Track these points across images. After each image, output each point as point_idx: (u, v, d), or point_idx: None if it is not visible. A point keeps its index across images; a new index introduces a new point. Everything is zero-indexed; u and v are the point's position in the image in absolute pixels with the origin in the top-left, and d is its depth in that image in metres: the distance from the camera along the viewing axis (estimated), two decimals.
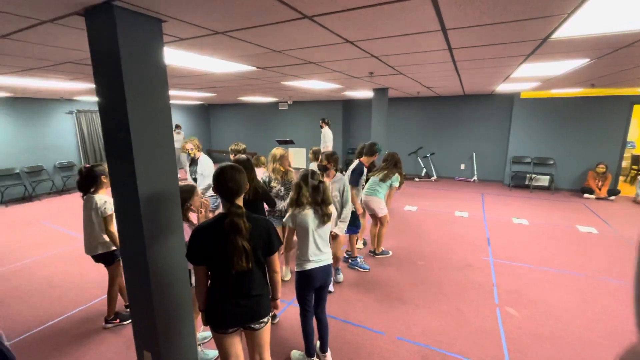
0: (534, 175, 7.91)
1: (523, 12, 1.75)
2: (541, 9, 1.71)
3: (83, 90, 5.78)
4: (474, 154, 8.85)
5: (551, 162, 7.81)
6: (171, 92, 6.72)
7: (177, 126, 10.03)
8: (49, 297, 3.38)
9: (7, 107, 7.02)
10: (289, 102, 8.84)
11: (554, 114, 7.66)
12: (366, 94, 7.38)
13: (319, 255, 2.24)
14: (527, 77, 4.71)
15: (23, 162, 7.31)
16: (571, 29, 2.05)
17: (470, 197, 7.25)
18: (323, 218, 2.21)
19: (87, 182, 2.60)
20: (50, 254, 4.41)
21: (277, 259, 1.76)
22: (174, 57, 2.80)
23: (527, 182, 8.02)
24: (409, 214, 6.10)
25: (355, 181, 3.76)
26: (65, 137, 8.10)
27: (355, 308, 3.11)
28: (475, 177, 8.83)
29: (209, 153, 9.26)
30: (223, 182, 1.59)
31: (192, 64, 3.18)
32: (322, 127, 8.31)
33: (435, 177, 9.19)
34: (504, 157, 8.54)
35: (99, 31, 1.64)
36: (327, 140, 8.17)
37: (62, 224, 5.64)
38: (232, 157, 3.93)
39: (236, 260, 1.54)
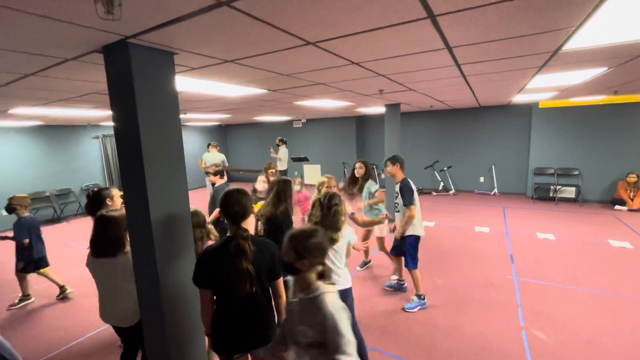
0: (558, 187, 7.57)
1: (528, 28, 1.73)
2: (546, 24, 1.68)
3: (107, 117, 6.12)
4: (493, 166, 8.60)
5: (576, 172, 7.47)
6: (189, 115, 6.99)
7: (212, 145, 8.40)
8: (70, 318, 3.48)
9: (39, 134, 7.51)
10: (302, 121, 8.99)
11: (576, 122, 7.38)
12: (379, 109, 7.40)
13: (336, 279, 2.13)
14: (543, 88, 4.59)
15: (52, 185, 7.74)
16: (581, 40, 2.00)
17: (491, 211, 7.00)
18: (330, 241, 2.13)
19: (94, 205, 2.71)
20: (75, 274, 4.56)
21: (282, 284, 1.73)
22: (188, 84, 2.93)
23: (551, 194, 7.67)
24: (426, 230, 5.89)
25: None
26: (91, 160, 8.54)
27: (370, 330, 3.01)
28: (495, 190, 8.55)
29: (227, 172, 9.48)
30: (229, 206, 1.63)
31: (205, 89, 3.31)
32: (279, 145, 8.46)
33: (453, 190, 8.97)
34: (525, 169, 8.25)
35: (115, 66, 1.76)
36: (283, 159, 8.33)
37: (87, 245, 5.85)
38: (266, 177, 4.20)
39: (240, 284, 1.54)
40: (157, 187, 1.80)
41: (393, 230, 3.52)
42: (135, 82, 1.68)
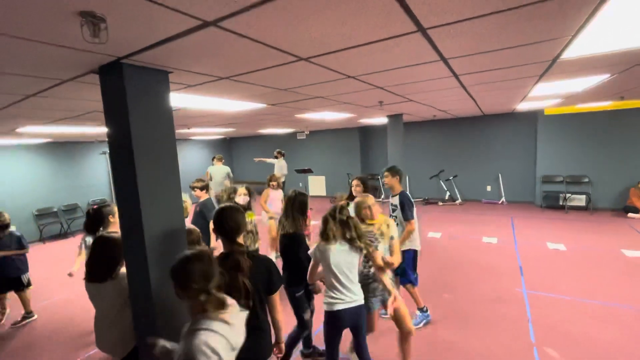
0: (568, 195, 7.39)
1: (521, 39, 1.71)
2: (539, 35, 1.65)
3: None
4: (499, 175, 8.47)
5: (586, 180, 7.29)
6: (193, 130, 7.07)
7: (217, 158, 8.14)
8: (71, 335, 3.46)
9: (47, 151, 7.67)
10: (305, 132, 9.05)
11: (583, 129, 7.25)
12: (382, 120, 7.40)
13: (345, 295, 2.08)
14: (546, 95, 4.53)
15: (60, 201, 7.85)
16: (580, 48, 1.96)
17: (498, 221, 6.85)
18: (358, 251, 2.11)
19: (94, 223, 2.69)
20: (80, 290, 4.56)
21: (278, 299, 1.73)
22: (187, 100, 2.96)
23: (561, 203, 7.49)
24: (432, 241, 5.83)
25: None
26: (98, 176, 8.67)
27: (376, 346, 2.91)
28: (503, 199, 8.39)
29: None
30: (224, 222, 1.64)
31: (205, 105, 3.34)
32: (276, 157, 8.46)
33: (460, 200, 8.83)
34: (532, 177, 8.10)
35: (110, 85, 1.78)
36: (284, 170, 8.32)
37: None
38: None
39: (236, 298, 1.52)
40: (151, 203, 1.80)
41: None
42: (128, 100, 1.70)
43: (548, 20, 1.43)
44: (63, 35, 1.25)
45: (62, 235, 7.73)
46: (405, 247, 3.12)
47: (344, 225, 2.09)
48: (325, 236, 2.10)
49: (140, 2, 1.04)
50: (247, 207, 3.31)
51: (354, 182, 3.42)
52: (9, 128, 4.12)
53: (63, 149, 7.94)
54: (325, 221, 2.12)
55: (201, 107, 3.54)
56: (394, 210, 3.22)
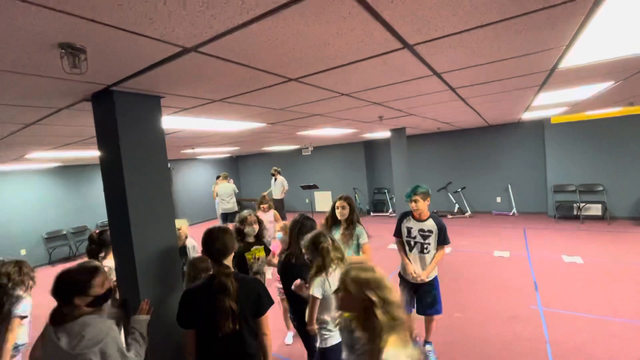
0: (582, 204, 7.13)
1: (512, 51, 1.66)
2: (530, 46, 1.61)
3: None
4: (509, 186, 8.26)
5: (600, 188, 7.04)
6: (199, 149, 7.16)
7: (222, 176, 8.48)
8: None
9: (57, 175, 7.85)
10: (310, 148, 9.10)
11: (593, 136, 7.06)
12: (386, 133, 7.37)
13: None
14: (550, 104, 4.44)
15: (69, 224, 7.95)
16: (577, 58, 1.90)
17: (510, 234, 6.63)
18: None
19: (98, 248, 2.67)
20: None
21: (267, 321, 1.66)
22: (185, 123, 2.99)
23: (575, 212, 7.22)
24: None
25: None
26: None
27: None
28: (514, 210, 8.15)
29: (239, 202, 9.47)
30: (210, 244, 1.63)
31: (204, 126, 3.37)
32: (274, 176, 8.53)
33: (469, 212, 8.61)
34: (543, 187, 7.87)
35: (101, 112, 1.81)
36: (285, 185, 8.47)
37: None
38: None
39: (222, 321, 1.52)
40: (141, 226, 1.79)
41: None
42: (119, 126, 1.71)
43: (538, 31, 1.39)
44: (47, 66, 1.26)
45: (70, 258, 7.79)
46: (435, 273, 2.83)
47: (336, 250, 2.04)
48: (325, 267, 1.96)
49: (116, 31, 1.04)
50: (257, 239, 2.85)
51: (338, 203, 2.85)
52: (18, 154, 4.23)
53: (71, 173, 8.11)
54: (326, 252, 1.97)
55: (201, 128, 3.57)
56: (424, 237, 2.73)
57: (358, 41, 1.33)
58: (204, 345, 1.59)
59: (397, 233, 2.90)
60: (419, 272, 2.75)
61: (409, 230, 2.80)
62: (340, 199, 2.89)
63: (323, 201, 10.75)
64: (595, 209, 7.07)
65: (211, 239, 1.63)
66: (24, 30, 0.96)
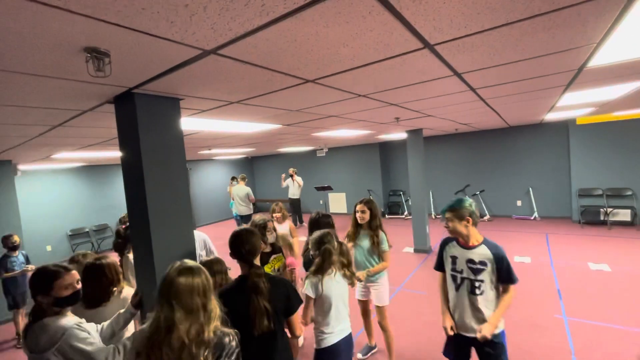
0: (609, 209, 6.80)
1: (539, 49, 1.59)
2: (559, 44, 1.54)
3: None
4: (530, 189, 7.98)
5: (629, 192, 6.70)
6: (215, 150, 7.28)
7: (234, 178, 8.59)
8: None
9: (81, 174, 8.16)
10: (325, 150, 9.10)
11: (622, 138, 6.73)
12: (402, 135, 7.28)
13: (342, 324, 2.00)
14: (577, 105, 4.26)
15: (92, 222, 8.25)
16: (609, 55, 1.81)
17: (531, 238, 6.39)
18: (351, 280, 2.05)
19: (124, 242, 2.75)
20: None
21: (298, 321, 1.74)
22: (203, 124, 3.03)
23: (602, 218, 6.90)
24: None
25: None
26: None
27: None
28: (535, 215, 7.87)
29: (255, 203, 9.59)
30: (240, 246, 1.66)
31: (221, 127, 3.41)
32: (292, 176, 8.76)
33: (488, 216, 8.38)
34: (567, 190, 7.56)
35: (123, 114, 1.85)
36: (301, 183, 8.76)
37: None
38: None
39: (258, 321, 1.56)
40: (160, 225, 1.82)
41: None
42: (139, 127, 1.75)
43: (567, 29, 1.33)
44: (73, 70, 1.30)
45: None
46: (501, 327, 1.93)
47: (340, 253, 2.03)
48: (324, 268, 1.96)
49: (138, 35, 1.05)
50: (273, 248, 2.78)
51: (358, 207, 2.71)
52: (45, 154, 4.41)
53: (94, 172, 8.42)
54: (328, 254, 1.96)
55: (218, 130, 3.62)
56: (475, 271, 1.89)
57: (377, 41, 1.30)
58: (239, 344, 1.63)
59: (439, 265, 2.12)
60: (474, 324, 1.89)
61: (453, 260, 2.00)
62: (360, 202, 2.75)
63: (337, 202, 10.71)
64: (624, 215, 6.73)
65: (240, 241, 1.66)
66: (52, 34, 0.99)
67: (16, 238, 3.94)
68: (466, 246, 1.96)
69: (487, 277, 1.88)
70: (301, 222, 9.45)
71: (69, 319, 1.44)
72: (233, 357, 1.27)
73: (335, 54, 1.40)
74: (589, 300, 3.76)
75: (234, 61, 1.38)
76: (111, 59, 1.19)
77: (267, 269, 2.68)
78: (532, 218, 7.92)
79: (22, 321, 4.05)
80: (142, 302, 1.84)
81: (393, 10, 1.04)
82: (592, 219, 7.04)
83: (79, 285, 1.51)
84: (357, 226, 2.79)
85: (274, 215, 3.82)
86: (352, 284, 2.07)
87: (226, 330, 1.28)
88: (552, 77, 2.32)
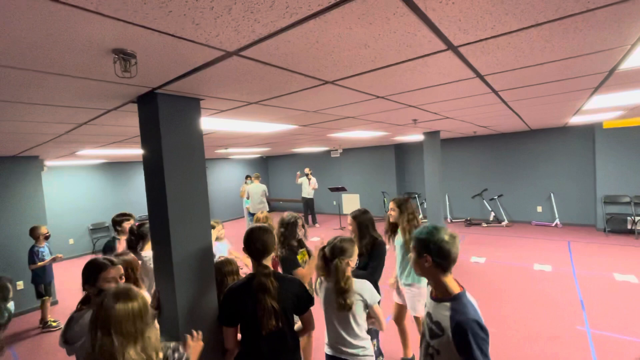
0: (637, 218, 6.49)
1: (570, 51, 1.53)
2: (591, 46, 1.47)
3: None
4: (551, 194, 7.71)
5: None
6: (232, 150, 7.38)
7: (249, 177, 9.10)
8: None
9: (102, 170, 8.44)
10: (339, 151, 9.09)
11: None
12: (418, 136, 7.17)
13: (340, 345, 1.80)
14: (604, 108, 4.09)
15: (111, 216, 8.50)
16: None
17: (552, 246, 6.18)
18: (341, 305, 1.76)
19: (136, 240, 2.82)
20: None
21: (310, 319, 1.72)
22: (221, 124, 3.08)
23: (629, 227, 6.59)
24: (476, 266, 5.38)
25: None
26: (144, 193, 9.33)
27: None
28: (557, 221, 7.59)
29: (269, 202, 9.61)
30: (251, 243, 1.67)
31: (238, 127, 3.45)
32: (308, 176, 8.95)
33: (506, 221, 8.15)
34: (592, 197, 7.26)
35: (145, 113, 1.89)
36: (316, 185, 9.02)
37: None
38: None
39: (265, 320, 1.55)
40: (179, 223, 1.85)
41: None
42: (161, 127, 1.79)
43: (601, 30, 1.27)
44: (101, 70, 1.34)
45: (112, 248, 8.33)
46: None
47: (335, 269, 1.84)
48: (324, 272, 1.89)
49: (164, 37, 1.07)
50: (299, 243, 2.72)
51: (390, 205, 2.77)
52: (70, 151, 4.58)
53: (114, 169, 8.69)
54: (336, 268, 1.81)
55: (235, 130, 3.66)
56: (432, 334, 1.34)
57: (399, 43, 1.28)
58: (247, 342, 1.64)
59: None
60: None
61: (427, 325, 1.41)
62: (392, 200, 2.79)
63: (351, 204, 10.66)
64: None
65: (252, 239, 1.67)
66: (84, 37, 1.02)
67: (45, 229, 4.14)
68: (433, 296, 1.39)
69: (444, 350, 1.26)
70: (314, 222, 9.45)
71: None
72: None
73: (356, 55, 1.39)
74: (614, 313, 3.60)
75: (255, 62, 1.39)
76: (137, 60, 1.21)
77: (300, 258, 2.61)
78: (553, 225, 7.66)
79: (49, 309, 4.23)
80: (160, 302, 1.87)
81: (418, 11, 1.02)
82: (618, 228, 6.74)
83: (122, 280, 1.61)
84: (392, 228, 2.81)
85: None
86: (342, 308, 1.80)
87: (168, 344, 1.26)
88: (580, 80, 2.23)
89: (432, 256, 1.29)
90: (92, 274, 1.56)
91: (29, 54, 1.11)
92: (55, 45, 1.06)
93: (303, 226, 2.80)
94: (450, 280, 1.32)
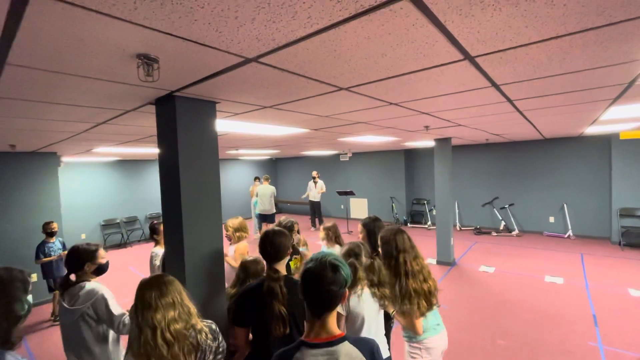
0: None
1: (589, 63, 1.51)
2: (612, 58, 1.45)
3: None
4: (565, 205, 7.55)
5: None
6: (242, 151, 7.45)
7: (258, 178, 9.14)
8: None
9: (115, 168, 8.62)
10: (348, 154, 9.09)
11: None
12: (428, 142, 7.13)
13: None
14: (622, 119, 4.00)
15: (122, 213, 8.67)
16: None
17: (565, 258, 6.04)
18: (383, 301, 1.80)
19: (154, 235, 2.91)
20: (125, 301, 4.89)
21: None
22: (234, 126, 3.12)
23: None
24: (485, 276, 5.30)
25: None
26: (156, 191, 9.47)
27: None
28: (570, 233, 7.43)
29: (276, 204, 9.66)
30: (264, 246, 1.67)
31: (251, 130, 3.49)
32: (315, 179, 8.99)
33: (517, 231, 8.01)
34: (607, 209, 7.09)
35: (163, 115, 1.94)
36: (324, 188, 9.10)
37: (144, 271, 6.31)
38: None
39: (274, 325, 1.54)
40: (192, 222, 1.89)
41: None
42: (178, 128, 1.83)
43: (623, 42, 1.25)
44: (125, 74, 1.38)
45: (122, 245, 8.48)
46: None
47: (369, 269, 1.83)
48: (353, 283, 1.75)
49: (187, 44, 1.11)
50: (293, 249, 2.63)
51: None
52: (86, 148, 4.69)
53: (127, 166, 8.87)
54: (353, 269, 1.74)
55: (248, 132, 3.71)
56: None
57: (417, 52, 1.29)
58: (257, 345, 1.64)
59: None
60: None
61: None
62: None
63: (359, 208, 10.63)
64: None
65: (265, 242, 1.67)
66: (111, 42, 1.06)
67: (54, 225, 4.23)
68: None
69: None
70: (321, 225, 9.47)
71: (101, 285, 1.82)
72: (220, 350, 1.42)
73: (373, 63, 1.40)
74: (628, 329, 3.50)
75: (273, 69, 1.41)
76: (159, 65, 1.25)
77: (292, 264, 2.52)
78: (566, 236, 7.49)
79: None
80: None
81: (437, 22, 1.03)
82: (634, 242, 6.55)
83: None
84: None
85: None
86: (383, 306, 1.83)
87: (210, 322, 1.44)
88: (599, 91, 2.20)
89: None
90: (91, 253, 1.90)
91: (57, 57, 1.16)
92: (84, 49, 1.10)
93: (298, 231, 2.80)
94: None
